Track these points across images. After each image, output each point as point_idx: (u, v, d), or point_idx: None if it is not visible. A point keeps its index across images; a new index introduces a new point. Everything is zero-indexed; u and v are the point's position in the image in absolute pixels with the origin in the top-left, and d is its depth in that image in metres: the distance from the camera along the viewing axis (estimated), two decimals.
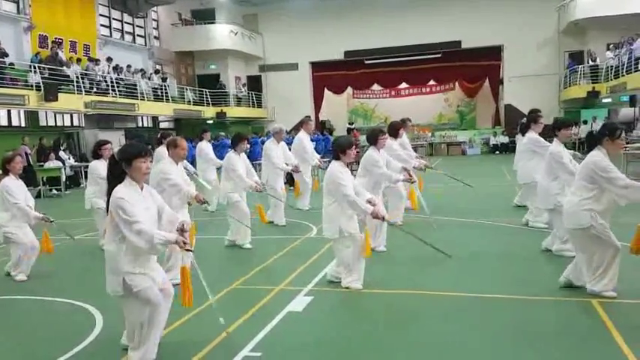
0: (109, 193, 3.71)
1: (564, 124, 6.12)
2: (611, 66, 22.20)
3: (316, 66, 30.83)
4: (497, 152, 27.23)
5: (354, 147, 5.45)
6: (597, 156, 4.65)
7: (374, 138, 6.82)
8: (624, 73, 20.23)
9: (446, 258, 6.19)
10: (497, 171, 17.07)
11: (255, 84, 31.13)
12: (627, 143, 18.14)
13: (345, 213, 5.25)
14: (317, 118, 29.83)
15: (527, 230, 7.71)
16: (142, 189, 3.79)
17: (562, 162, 5.70)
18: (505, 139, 27.41)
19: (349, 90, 32.41)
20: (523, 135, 8.06)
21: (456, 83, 31.08)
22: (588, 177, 4.65)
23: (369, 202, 5.31)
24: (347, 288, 5.30)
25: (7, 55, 16.85)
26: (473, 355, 3.82)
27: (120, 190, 3.64)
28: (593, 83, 23.88)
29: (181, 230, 3.79)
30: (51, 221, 6.52)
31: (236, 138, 7.49)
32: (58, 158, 17.64)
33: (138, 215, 3.56)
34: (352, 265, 5.30)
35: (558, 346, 3.88)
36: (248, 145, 7.59)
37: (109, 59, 21.75)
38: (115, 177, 3.73)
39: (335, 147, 5.44)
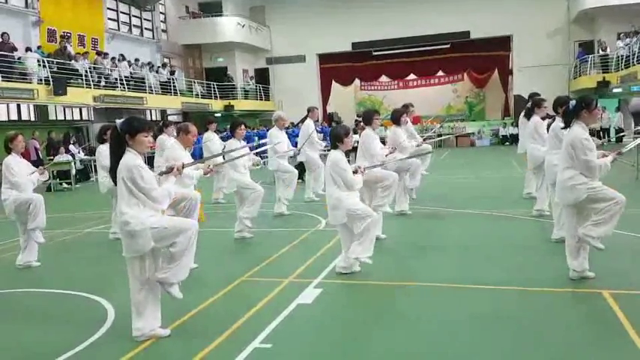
0: (112, 164, 3.94)
1: (566, 102, 6.11)
2: (622, 55, 21.98)
3: (323, 58, 30.76)
4: (507, 143, 27.09)
5: (351, 135, 5.53)
6: (580, 133, 4.69)
7: (369, 118, 7.17)
8: (635, 63, 20.03)
9: (451, 248, 6.18)
10: (506, 162, 16.99)
11: (262, 77, 31.13)
12: (638, 134, 18.00)
13: (349, 196, 5.37)
14: (324, 110, 29.80)
15: (536, 221, 7.67)
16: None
17: (561, 138, 5.73)
18: (515, 130, 27.20)
19: (357, 82, 32.32)
20: (528, 119, 7.98)
21: (465, 74, 30.91)
22: (569, 155, 4.73)
23: (355, 172, 5.61)
24: (355, 258, 5.34)
25: (16, 50, 16.93)
26: (482, 347, 3.80)
27: (133, 159, 3.86)
28: (603, 73, 23.67)
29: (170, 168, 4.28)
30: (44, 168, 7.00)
31: (233, 125, 7.61)
32: (68, 152, 17.75)
33: (154, 182, 3.94)
34: (366, 235, 5.34)
35: (569, 339, 3.86)
36: (244, 131, 7.73)
37: (136, 60, 22.00)
38: (118, 149, 3.91)
39: (333, 136, 5.51)
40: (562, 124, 5.79)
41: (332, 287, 5.27)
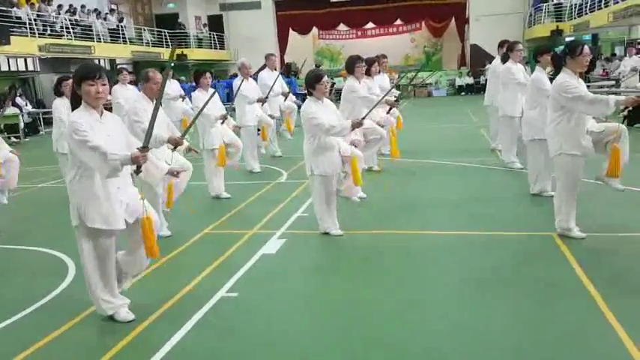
0: None
1: (546, 50, 6.09)
2: (575, 4, 22.28)
3: (280, 5, 29.92)
4: (463, 93, 27.42)
5: (323, 79, 5.17)
6: (561, 78, 4.59)
7: (351, 66, 6.71)
8: (587, 12, 20.35)
9: (419, 199, 6.33)
10: (462, 113, 17.28)
11: (216, 24, 30.06)
12: (588, 82, 18.52)
13: (318, 151, 5.10)
14: (282, 60, 29.20)
15: (496, 170, 7.91)
16: (101, 115, 3.47)
17: (544, 88, 5.72)
18: (470, 80, 27.55)
19: (314, 31, 31.71)
20: (504, 63, 7.82)
21: (423, 23, 30.74)
22: (556, 102, 4.62)
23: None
24: (326, 233, 5.29)
25: None
26: (444, 288, 3.98)
27: (74, 115, 3.39)
28: (557, 22, 23.98)
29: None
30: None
31: (196, 75, 7.11)
32: (15, 105, 16.96)
33: (92, 136, 3.28)
34: (325, 207, 5.25)
35: (521, 279, 4.07)
36: (210, 79, 7.13)
37: (82, 7, 20.80)
38: (74, 103, 3.48)
39: (305, 84, 5.27)
40: (542, 75, 5.81)
41: (295, 238, 5.34)
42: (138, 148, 3.39)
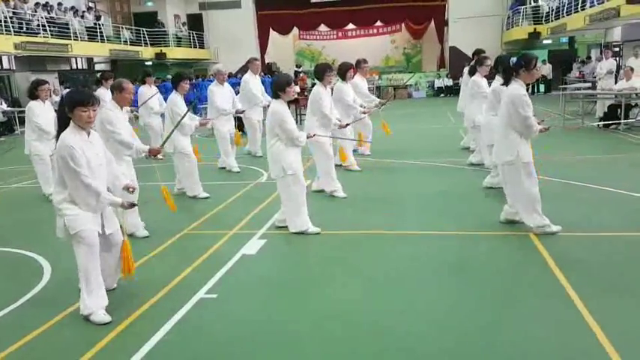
0: (57, 138, 3.67)
1: (507, 62, 6.19)
2: (552, 7, 22.62)
3: (260, 4, 29.79)
4: (442, 95, 27.64)
5: (293, 84, 5.28)
6: (517, 89, 4.73)
7: (322, 74, 6.72)
8: (564, 15, 20.68)
9: (398, 199, 6.34)
10: (441, 114, 17.42)
11: (196, 23, 29.80)
12: (565, 84, 18.83)
13: (288, 151, 5.20)
14: (263, 60, 29.09)
15: (472, 170, 7.98)
16: (88, 134, 3.71)
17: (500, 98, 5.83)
18: (449, 82, 27.78)
19: (295, 31, 31.66)
20: (471, 76, 8.02)
21: (403, 24, 30.91)
22: (508, 112, 4.75)
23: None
24: (301, 233, 5.32)
25: None
26: (419, 289, 4.00)
27: (68, 137, 3.58)
28: (534, 24, 24.32)
29: (126, 188, 3.91)
30: None
31: (176, 78, 7.00)
32: None
33: (85, 166, 3.57)
34: (298, 206, 5.30)
35: (498, 278, 4.13)
36: (188, 86, 7.18)
37: (59, 5, 20.31)
38: (62, 122, 3.66)
39: (274, 86, 5.29)
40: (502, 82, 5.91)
41: (276, 238, 5.33)
42: (130, 202, 3.80)
